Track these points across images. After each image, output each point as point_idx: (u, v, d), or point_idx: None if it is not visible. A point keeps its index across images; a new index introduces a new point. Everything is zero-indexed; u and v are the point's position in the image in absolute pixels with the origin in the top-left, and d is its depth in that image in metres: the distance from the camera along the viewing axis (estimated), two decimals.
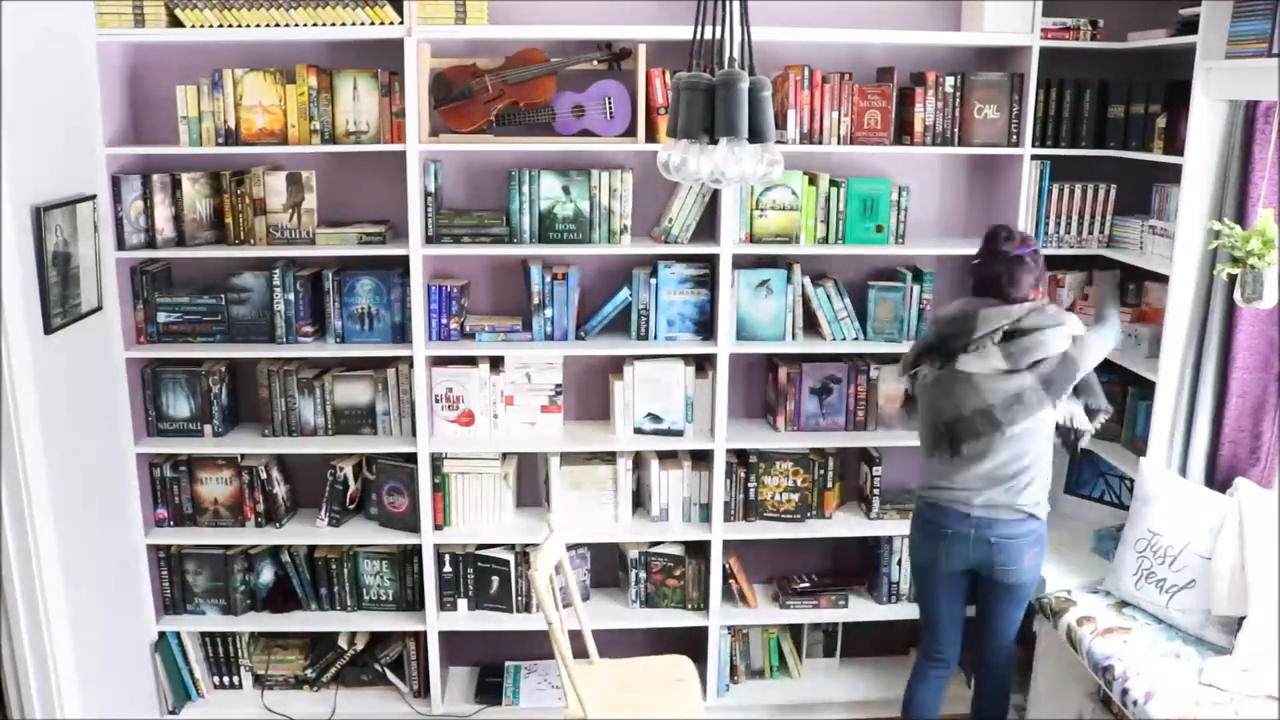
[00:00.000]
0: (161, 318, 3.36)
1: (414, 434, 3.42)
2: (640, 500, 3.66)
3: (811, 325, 3.52)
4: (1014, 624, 3.03)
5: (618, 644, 3.83)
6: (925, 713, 3.09)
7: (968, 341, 2.79)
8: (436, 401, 3.46)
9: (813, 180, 3.40)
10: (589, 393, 3.67)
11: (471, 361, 3.46)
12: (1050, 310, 2.83)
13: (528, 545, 3.56)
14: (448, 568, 3.56)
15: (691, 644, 3.74)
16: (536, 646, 3.80)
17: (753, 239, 3.40)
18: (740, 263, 3.44)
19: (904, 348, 3.49)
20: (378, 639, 3.71)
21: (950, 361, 2.83)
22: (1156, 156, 3.14)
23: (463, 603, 3.61)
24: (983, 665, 3.13)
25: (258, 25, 3.12)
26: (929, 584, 3.03)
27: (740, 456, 3.58)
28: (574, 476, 3.56)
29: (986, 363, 2.78)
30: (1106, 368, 3.46)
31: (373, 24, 3.13)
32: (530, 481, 3.71)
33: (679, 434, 3.52)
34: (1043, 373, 2.77)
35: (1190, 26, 2.93)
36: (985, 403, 2.78)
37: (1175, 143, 3.02)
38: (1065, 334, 2.79)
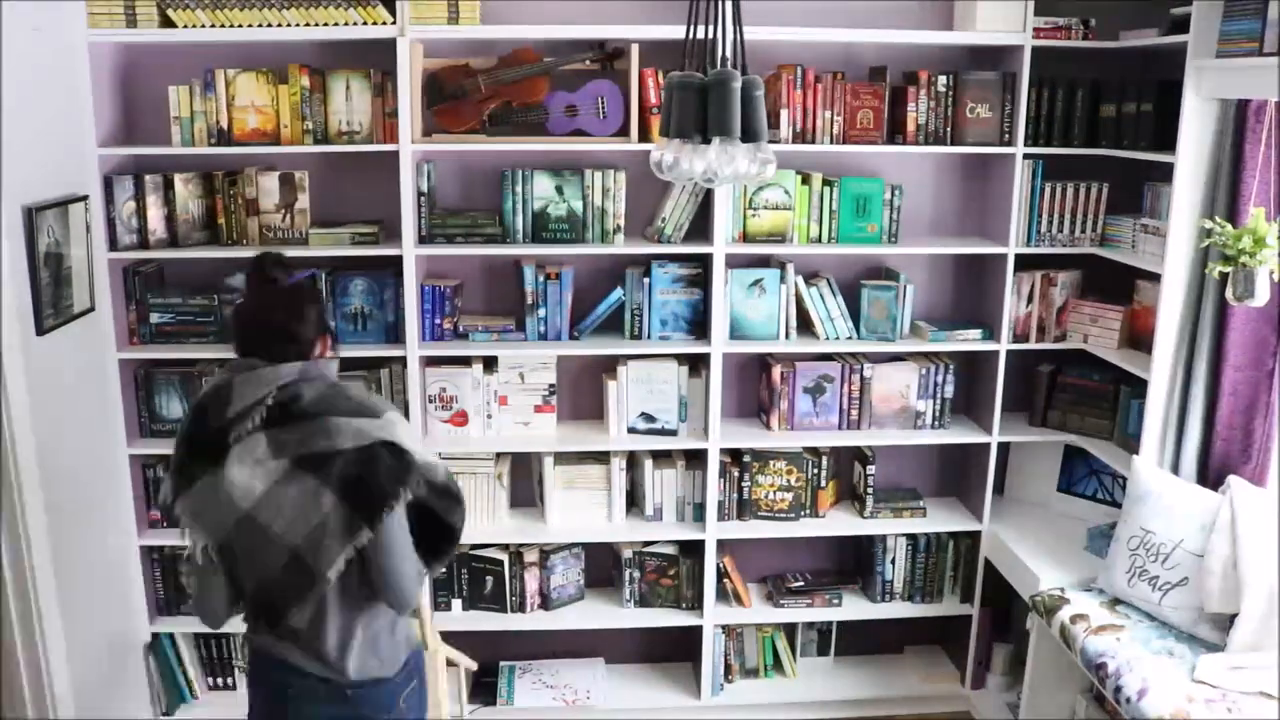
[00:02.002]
0: (154, 319, 3.35)
1: None
2: (634, 500, 3.66)
3: (805, 324, 3.52)
4: None
5: (613, 644, 3.84)
6: None
7: (228, 425, 1.96)
8: (430, 402, 3.45)
9: (805, 180, 3.40)
10: (582, 393, 3.67)
11: (465, 362, 3.46)
12: (337, 383, 2.09)
13: (522, 545, 3.56)
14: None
15: (686, 643, 3.75)
16: (531, 646, 3.81)
17: (746, 238, 3.40)
18: (733, 262, 3.45)
19: (897, 347, 3.51)
20: None
21: (216, 469, 1.95)
22: (1148, 155, 3.15)
23: (457, 603, 3.61)
24: None
25: (250, 25, 3.11)
26: None
27: (734, 456, 3.58)
28: (568, 476, 3.56)
29: (252, 459, 1.94)
30: (1099, 366, 3.48)
31: (365, 24, 3.13)
32: (524, 482, 3.71)
33: (673, 433, 3.52)
34: (340, 475, 1.94)
35: (1181, 26, 2.94)
36: (286, 542, 1.93)
37: (1167, 142, 3.03)
38: (376, 424, 1.99)
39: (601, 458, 3.56)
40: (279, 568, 1.94)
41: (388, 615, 2.12)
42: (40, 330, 2.81)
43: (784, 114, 3.28)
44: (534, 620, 3.60)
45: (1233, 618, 2.72)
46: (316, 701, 2.10)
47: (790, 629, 3.84)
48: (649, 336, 3.46)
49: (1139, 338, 3.37)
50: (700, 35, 2.22)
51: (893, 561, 3.69)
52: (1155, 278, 3.10)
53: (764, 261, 3.52)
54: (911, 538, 3.68)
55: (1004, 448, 3.71)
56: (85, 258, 3.06)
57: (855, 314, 3.51)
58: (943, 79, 3.33)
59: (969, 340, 3.51)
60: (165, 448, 3.38)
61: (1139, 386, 3.22)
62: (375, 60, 3.23)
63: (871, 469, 3.61)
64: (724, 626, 3.68)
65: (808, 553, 3.88)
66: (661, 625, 3.66)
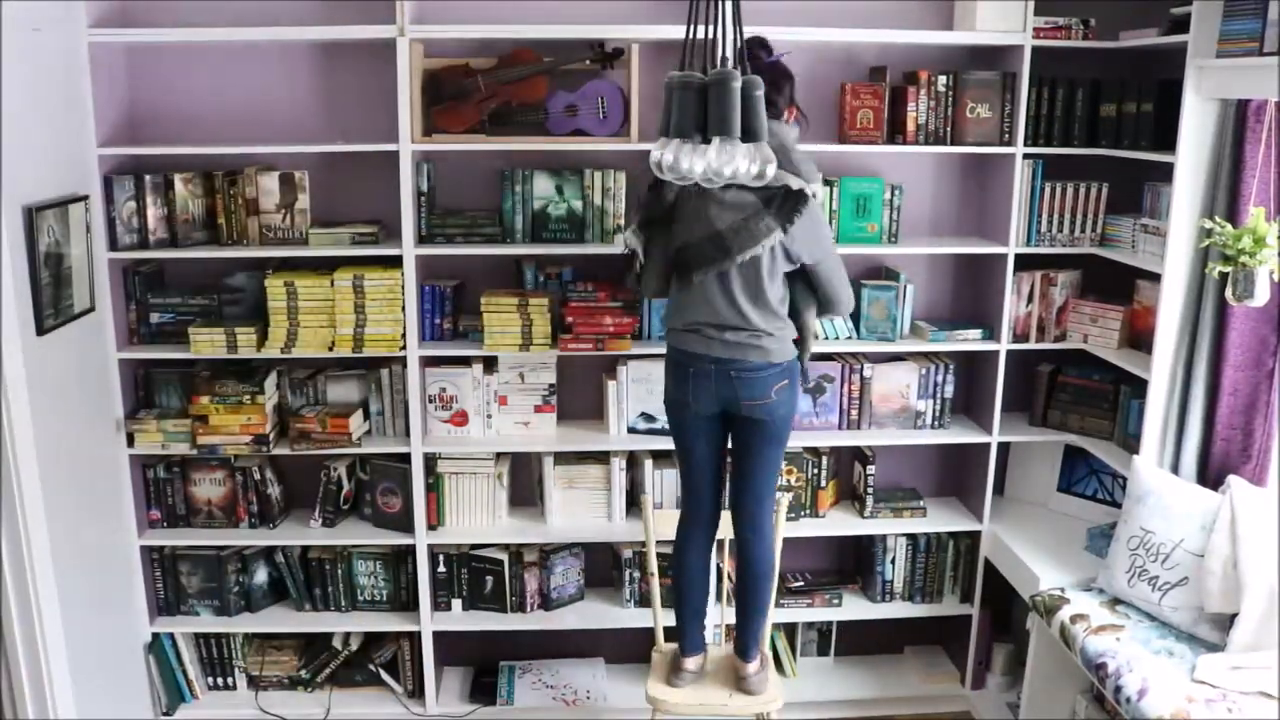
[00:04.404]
0: (154, 318, 3.35)
1: (407, 434, 3.42)
2: (634, 500, 3.66)
3: None
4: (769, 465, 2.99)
5: (613, 644, 3.84)
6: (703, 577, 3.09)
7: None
8: (430, 402, 3.45)
9: None
10: (582, 392, 3.67)
11: (465, 361, 3.46)
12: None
13: (522, 545, 3.56)
14: (442, 568, 3.56)
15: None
16: (531, 646, 3.81)
17: None
18: None
19: (897, 347, 3.51)
20: (372, 639, 3.71)
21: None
22: (1148, 155, 3.15)
23: (457, 603, 3.61)
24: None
25: (250, 25, 3.12)
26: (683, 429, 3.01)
27: None
28: (567, 476, 3.56)
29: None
30: (1099, 366, 3.48)
31: (366, 24, 3.13)
32: (524, 481, 3.71)
33: None
34: (768, 195, 2.72)
35: (1181, 25, 2.94)
36: (715, 226, 2.73)
37: (1167, 142, 3.03)
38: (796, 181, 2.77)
39: (601, 458, 3.56)
40: (702, 239, 2.74)
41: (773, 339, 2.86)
42: (40, 330, 2.81)
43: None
44: (534, 620, 3.60)
45: (1233, 617, 2.72)
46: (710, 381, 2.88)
47: (790, 629, 3.84)
48: (649, 336, 3.46)
49: (1139, 338, 3.37)
50: (700, 35, 2.23)
51: (893, 561, 3.69)
52: (1155, 278, 3.10)
53: None
54: (911, 538, 3.68)
55: (1004, 448, 3.71)
56: (85, 258, 3.06)
57: (855, 314, 3.51)
58: (943, 79, 3.33)
59: (969, 340, 3.51)
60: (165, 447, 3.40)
61: (1139, 386, 3.22)
62: (375, 60, 3.22)
63: (871, 469, 3.61)
64: (724, 626, 3.67)
65: (808, 552, 3.88)
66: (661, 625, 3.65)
